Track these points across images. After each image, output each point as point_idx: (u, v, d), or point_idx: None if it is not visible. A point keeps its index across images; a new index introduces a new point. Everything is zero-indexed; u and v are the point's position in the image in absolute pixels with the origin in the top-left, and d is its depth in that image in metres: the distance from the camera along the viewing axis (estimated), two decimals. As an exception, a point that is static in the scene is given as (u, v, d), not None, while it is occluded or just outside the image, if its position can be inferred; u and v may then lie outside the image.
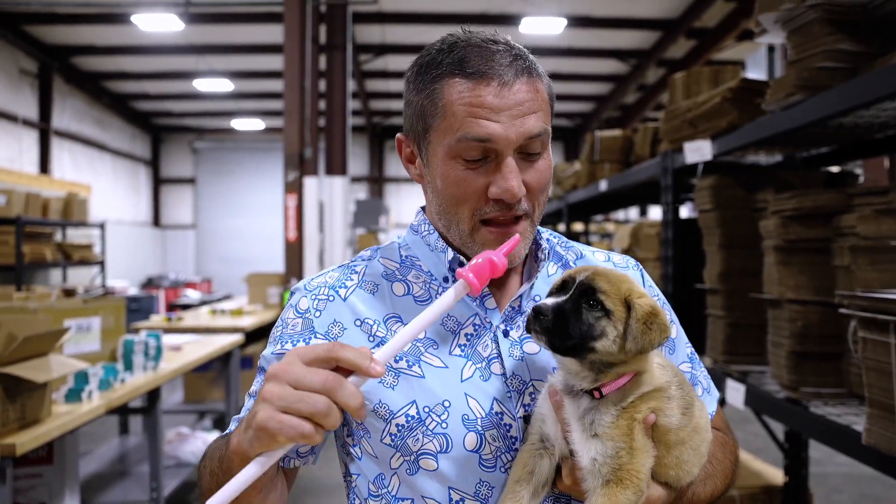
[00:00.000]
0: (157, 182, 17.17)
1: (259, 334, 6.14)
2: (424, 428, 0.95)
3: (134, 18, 9.48)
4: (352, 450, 1.03)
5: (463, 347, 1.00)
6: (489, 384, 0.98)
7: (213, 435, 4.44)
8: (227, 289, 15.29)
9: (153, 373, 3.46)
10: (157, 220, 17.11)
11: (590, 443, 0.87)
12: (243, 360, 5.59)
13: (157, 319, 5.72)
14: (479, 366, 0.99)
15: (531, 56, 0.99)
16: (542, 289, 1.06)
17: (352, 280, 1.05)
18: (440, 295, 1.02)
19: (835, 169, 2.57)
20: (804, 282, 1.98)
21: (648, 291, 1.12)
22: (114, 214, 14.21)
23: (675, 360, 1.10)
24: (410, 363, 0.98)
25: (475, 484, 0.95)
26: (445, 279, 1.04)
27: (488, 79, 0.93)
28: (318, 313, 1.03)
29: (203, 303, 10.98)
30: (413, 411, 0.96)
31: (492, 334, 1.01)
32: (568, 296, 0.87)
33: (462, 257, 1.02)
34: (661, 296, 1.17)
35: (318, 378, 0.75)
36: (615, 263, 1.16)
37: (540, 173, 0.98)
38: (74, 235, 10.73)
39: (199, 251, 17.26)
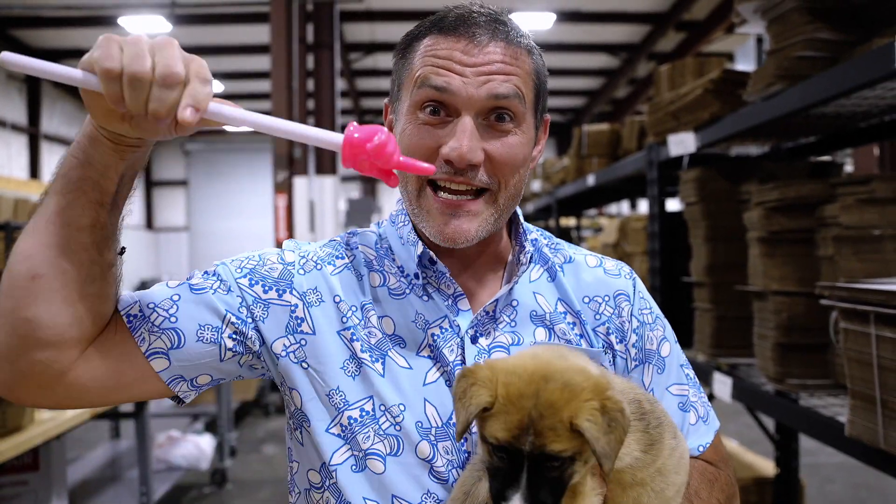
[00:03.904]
0: (150, 185, 17.10)
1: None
2: (377, 426, 0.90)
3: (120, 21, 9.42)
4: (294, 433, 0.97)
5: (431, 349, 0.94)
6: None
7: (205, 438, 4.41)
8: (222, 291, 15.23)
9: (140, 377, 3.42)
10: (150, 223, 17.04)
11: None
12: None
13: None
14: (445, 370, 0.93)
15: (522, 29, 0.94)
16: (523, 294, 1.00)
17: (342, 260, 1.01)
18: (411, 292, 0.97)
19: (824, 158, 2.56)
20: (788, 273, 1.96)
21: (640, 304, 1.04)
22: (106, 218, 14.12)
23: (663, 382, 1.01)
24: (374, 358, 0.93)
25: (422, 494, 0.89)
26: (416, 275, 0.97)
27: (459, 35, 0.90)
28: (301, 271, 0.98)
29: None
30: (369, 406, 0.91)
31: (458, 339, 0.95)
32: (525, 480, 0.73)
33: (431, 252, 0.95)
34: (656, 308, 1.07)
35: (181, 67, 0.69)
36: (606, 270, 1.06)
37: (509, 147, 0.91)
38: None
39: (193, 253, 17.16)
